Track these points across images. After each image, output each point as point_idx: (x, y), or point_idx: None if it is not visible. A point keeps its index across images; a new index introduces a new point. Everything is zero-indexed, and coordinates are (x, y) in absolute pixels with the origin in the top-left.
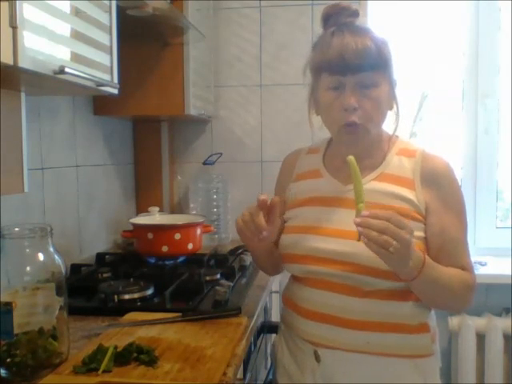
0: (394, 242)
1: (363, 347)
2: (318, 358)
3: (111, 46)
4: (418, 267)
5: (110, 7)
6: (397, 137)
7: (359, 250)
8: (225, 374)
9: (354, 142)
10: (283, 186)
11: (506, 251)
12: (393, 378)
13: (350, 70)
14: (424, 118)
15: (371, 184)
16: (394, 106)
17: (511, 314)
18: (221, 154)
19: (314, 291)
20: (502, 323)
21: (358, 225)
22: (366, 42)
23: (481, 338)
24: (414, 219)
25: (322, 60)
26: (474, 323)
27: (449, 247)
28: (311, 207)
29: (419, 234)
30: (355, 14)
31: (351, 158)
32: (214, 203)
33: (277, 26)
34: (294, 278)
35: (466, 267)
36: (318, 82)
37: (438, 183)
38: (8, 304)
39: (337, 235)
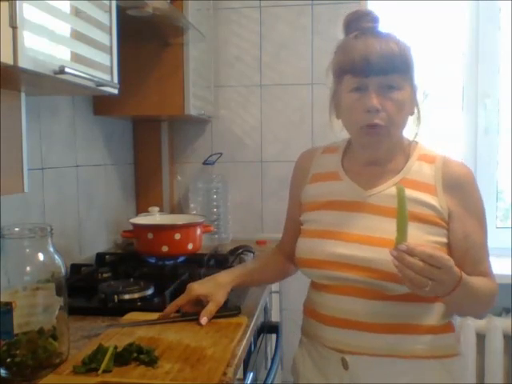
0: (430, 282)
1: (389, 351)
2: (345, 365)
3: (111, 46)
4: (453, 286)
5: (110, 7)
6: (416, 142)
7: (381, 256)
8: (225, 374)
9: (375, 145)
10: (299, 185)
11: (506, 251)
12: (421, 380)
13: (373, 72)
14: (424, 118)
15: (393, 189)
16: (415, 111)
17: (511, 314)
18: (221, 154)
19: (335, 297)
20: (502, 323)
21: (394, 257)
22: (389, 44)
23: (481, 337)
24: (437, 225)
25: (345, 62)
26: (474, 323)
27: (472, 253)
28: (330, 211)
29: (442, 239)
30: (376, 19)
31: (401, 187)
32: (214, 203)
33: (277, 25)
34: (314, 286)
35: (487, 273)
36: (340, 85)
37: (461, 189)
38: (8, 304)
39: (358, 241)
